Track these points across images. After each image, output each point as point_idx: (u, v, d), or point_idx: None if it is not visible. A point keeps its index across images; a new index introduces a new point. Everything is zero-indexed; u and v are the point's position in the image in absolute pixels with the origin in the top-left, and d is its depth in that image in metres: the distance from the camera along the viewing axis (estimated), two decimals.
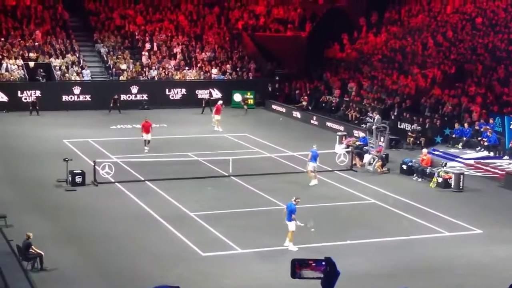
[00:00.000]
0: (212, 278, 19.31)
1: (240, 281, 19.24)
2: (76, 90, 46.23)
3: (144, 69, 49.26)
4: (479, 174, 31.75)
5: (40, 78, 46.10)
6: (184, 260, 20.49)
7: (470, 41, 43.53)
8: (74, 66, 47.83)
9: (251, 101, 45.30)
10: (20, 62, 46.63)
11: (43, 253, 19.54)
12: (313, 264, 4.30)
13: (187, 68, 50.21)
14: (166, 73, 49.55)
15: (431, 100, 39.83)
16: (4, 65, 46.01)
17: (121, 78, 48.26)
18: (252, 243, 21.85)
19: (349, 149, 33.44)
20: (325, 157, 31.54)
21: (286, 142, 36.89)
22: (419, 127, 37.40)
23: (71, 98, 46.04)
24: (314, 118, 43.87)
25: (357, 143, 34.82)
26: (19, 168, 30.90)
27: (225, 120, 40.66)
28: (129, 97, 47.14)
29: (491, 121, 34.92)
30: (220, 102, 41.77)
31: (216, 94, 48.28)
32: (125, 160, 31.33)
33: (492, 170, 31.82)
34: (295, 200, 21.55)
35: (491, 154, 33.75)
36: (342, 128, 40.23)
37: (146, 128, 33.87)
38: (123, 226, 23.48)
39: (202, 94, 48.34)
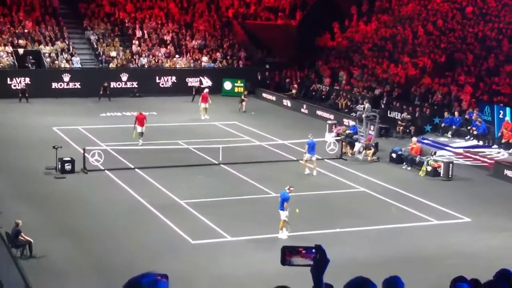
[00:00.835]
0: (202, 266, 19.35)
1: (230, 269, 19.28)
2: (66, 77, 46.03)
3: (134, 57, 49.11)
4: (468, 163, 31.88)
5: (30, 65, 45.88)
6: (174, 248, 20.51)
7: (460, 30, 43.59)
8: (63, 53, 47.62)
9: (245, 98, 43.88)
10: (9, 49, 46.37)
11: (32, 241, 19.53)
12: (303, 252, 4.30)
13: (177, 56, 50.08)
14: (156, 60, 49.41)
15: (421, 89, 39.90)
16: None
17: (111, 65, 48.09)
18: (242, 231, 21.90)
19: (339, 138, 33.48)
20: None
21: (276, 131, 36.90)
22: (409, 116, 37.48)
23: (61, 85, 45.85)
24: (304, 106, 43.87)
25: (347, 131, 34.87)
26: (8, 156, 30.78)
27: (215, 108, 40.60)
28: (119, 84, 46.99)
29: (476, 111, 34.99)
30: (206, 90, 41.71)
31: (206, 82, 48.18)
32: (115, 147, 31.27)
33: (481, 159, 31.95)
34: (288, 189, 21.59)
35: (480, 143, 33.87)
36: (332, 116, 40.25)
37: (140, 121, 33.01)
38: (113, 214, 23.47)
39: (192, 82, 48.22)
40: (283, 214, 21.26)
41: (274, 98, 47.02)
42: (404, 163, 30.94)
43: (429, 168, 29.48)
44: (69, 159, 28.08)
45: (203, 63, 50.14)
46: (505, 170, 29.48)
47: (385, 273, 5.19)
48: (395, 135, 36.81)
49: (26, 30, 47.93)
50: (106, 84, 44.83)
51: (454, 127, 35.42)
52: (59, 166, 27.78)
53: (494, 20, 42.61)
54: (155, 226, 22.41)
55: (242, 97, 43.18)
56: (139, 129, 32.89)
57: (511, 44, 39.68)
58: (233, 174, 28.72)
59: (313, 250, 4.28)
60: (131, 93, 46.42)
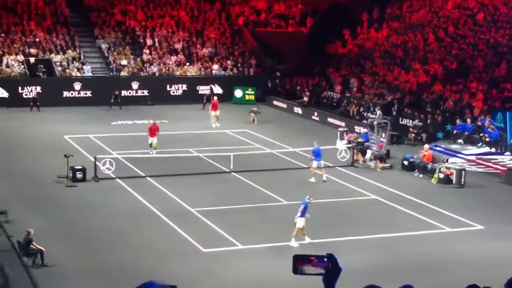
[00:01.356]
0: (213, 274, 19.29)
1: (241, 277, 19.22)
2: (77, 86, 46.18)
3: (145, 65, 49.21)
4: (480, 170, 31.68)
5: (41, 74, 46.05)
6: (185, 256, 20.47)
7: (471, 36, 43.44)
8: (74, 62, 47.79)
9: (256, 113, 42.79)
10: (20, 57, 46.60)
11: (43, 249, 19.52)
12: (315, 260, 4.25)
13: (188, 64, 50.15)
14: (167, 69, 49.50)
15: (432, 96, 39.76)
16: (5, 61, 45.98)
17: (121, 74, 48.21)
18: (253, 239, 21.83)
19: (351, 145, 33.38)
20: (326, 153, 31.45)
21: (287, 138, 36.85)
22: (421, 123, 37.34)
23: (72, 94, 46.00)
24: (315, 114, 43.80)
25: (359, 139, 34.77)
26: (20, 164, 30.86)
27: (225, 116, 40.60)
28: (130, 93, 47.09)
29: (488, 118, 34.80)
30: (215, 98, 41.71)
31: (217, 90, 48.22)
32: (126, 156, 31.30)
33: (494, 166, 31.75)
34: (308, 198, 21.61)
35: (493, 150, 33.67)
36: (343, 124, 40.16)
37: (153, 132, 32.62)
38: (124, 222, 23.45)
39: (203, 90, 48.26)
40: (302, 222, 21.14)
41: (285, 106, 46.98)
42: (416, 171, 30.81)
43: (441, 176, 29.33)
44: (81, 167, 28.12)
45: (213, 71, 50.19)
46: None
47: (397, 281, 5.12)
48: (406, 142, 36.66)
49: (37, 39, 48.13)
50: (117, 93, 44.93)
51: (466, 133, 35.25)
52: (71, 175, 27.82)
53: (505, 27, 42.43)
54: (167, 234, 22.37)
55: (252, 113, 42.15)
56: (150, 140, 32.45)
57: None
58: (244, 182, 28.66)
59: (325, 259, 4.23)
60: (143, 101, 46.49)
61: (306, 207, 21.34)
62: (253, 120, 41.66)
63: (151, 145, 32.38)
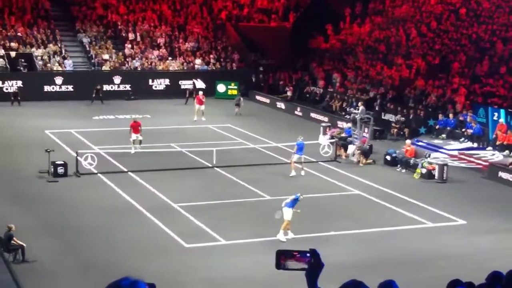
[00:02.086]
0: (196, 270, 19.23)
1: (224, 272, 19.17)
2: (58, 80, 45.87)
3: (127, 59, 48.98)
4: (462, 165, 31.83)
5: (22, 68, 45.70)
6: (168, 252, 20.39)
7: (454, 31, 43.60)
8: (56, 56, 47.47)
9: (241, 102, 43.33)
10: (1, 52, 46.18)
11: (25, 245, 19.39)
12: (298, 255, 4.21)
13: (170, 58, 49.98)
14: (149, 63, 49.31)
15: (415, 91, 39.88)
16: None
17: (103, 68, 47.96)
18: (236, 234, 21.79)
19: (333, 140, 33.41)
20: (309, 148, 31.51)
21: (270, 133, 36.82)
22: (403, 118, 37.46)
23: (53, 88, 45.69)
24: (298, 109, 43.81)
25: (342, 134, 34.81)
26: (1, 160, 30.59)
27: (208, 111, 40.48)
28: (112, 87, 46.85)
29: (470, 113, 34.95)
30: (200, 92, 41.63)
31: (200, 84, 48.12)
32: (107, 151, 31.14)
33: (476, 161, 31.90)
34: (301, 195, 21.70)
35: (475, 145, 33.83)
36: (326, 119, 40.21)
37: (135, 129, 32.21)
38: (106, 218, 23.32)
39: (186, 84, 48.11)
40: (289, 214, 21.09)
41: (268, 101, 46.95)
42: (399, 166, 30.89)
43: (424, 171, 29.43)
44: (62, 162, 27.92)
45: (196, 66, 50.05)
46: (500, 172, 29.46)
47: (380, 276, 5.08)
48: (389, 137, 36.77)
49: (18, 33, 47.74)
50: (98, 87, 44.67)
51: (448, 129, 35.39)
52: (52, 170, 27.62)
53: (487, 22, 42.62)
54: (149, 229, 22.27)
55: (237, 101, 42.83)
56: (133, 136, 32.04)
57: (505, 46, 39.68)
58: (227, 177, 28.61)
59: (308, 254, 4.20)
60: (126, 96, 46.29)
61: (296, 199, 21.30)
62: (237, 113, 41.75)
63: (133, 142, 32.01)
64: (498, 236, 22.73)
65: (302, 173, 28.95)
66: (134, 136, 31.99)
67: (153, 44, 50.59)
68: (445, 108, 37.08)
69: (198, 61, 50.18)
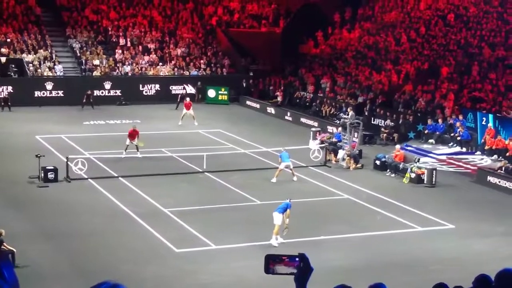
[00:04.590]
0: (187, 275, 19.28)
1: (214, 277, 19.22)
2: (49, 85, 45.83)
3: (118, 65, 48.99)
4: (451, 169, 32.01)
5: (12, 74, 45.63)
6: (158, 257, 20.42)
7: (442, 37, 43.83)
8: (46, 61, 47.43)
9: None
10: None
11: (15, 250, 19.37)
12: (287, 260, 4.29)
13: (160, 63, 50.01)
14: (140, 68, 49.33)
15: (404, 96, 40.06)
16: None
17: (94, 73, 47.94)
18: (227, 239, 21.85)
19: (323, 145, 33.53)
20: (299, 152, 31.62)
21: (260, 138, 36.89)
22: (392, 123, 37.63)
23: (44, 93, 45.65)
24: (288, 114, 43.92)
25: (332, 139, 34.94)
26: None
27: (198, 116, 40.54)
28: (102, 92, 46.83)
29: (460, 117, 35.16)
30: (188, 99, 41.60)
31: (190, 90, 48.18)
32: (98, 156, 31.14)
33: (465, 165, 32.09)
34: (290, 200, 21.74)
35: (464, 149, 34.03)
36: (316, 124, 40.32)
37: (133, 136, 32.05)
38: (96, 223, 23.33)
39: (176, 90, 48.15)
40: (279, 219, 21.15)
41: (258, 106, 47.04)
42: (388, 170, 31.03)
43: (413, 175, 29.58)
44: (52, 167, 27.92)
45: (186, 71, 50.10)
46: (488, 177, 29.63)
47: (369, 280, 5.19)
48: (378, 142, 36.93)
49: (8, 39, 47.67)
50: (89, 92, 44.64)
51: (437, 133, 35.57)
52: (42, 175, 27.62)
53: (476, 27, 42.89)
54: (139, 235, 22.30)
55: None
56: (128, 141, 31.84)
57: (493, 51, 39.94)
58: (218, 182, 28.66)
59: (297, 259, 4.27)
60: (117, 101, 46.27)
61: (287, 206, 21.34)
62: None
63: (127, 147, 31.78)
64: (488, 240, 22.87)
65: (295, 178, 28.97)
66: (128, 141, 31.93)
67: (144, 50, 50.56)
68: (434, 113, 37.28)
69: (188, 66, 50.20)
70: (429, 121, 36.26)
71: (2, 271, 3.49)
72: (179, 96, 46.09)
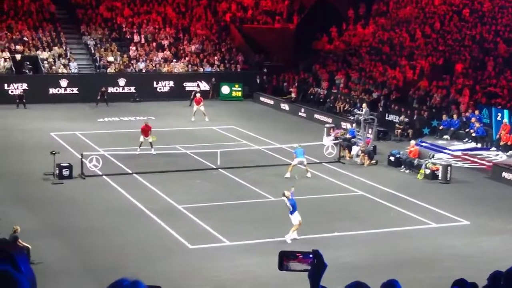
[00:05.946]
0: (200, 271, 19.30)
1: (228, 273, 19.24)
2: (63, 82, 46.00)
3: (132, 62, 49.08)
4: (466, 165, 31.85)
5: (27, 71, 45.84)
6: (172, 253, 20.46)
7: (457, 32, 43.61)
8: (61, 58, 47.59)
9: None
10: (6, 54, 46.34)
11: (30, 247, 19.46)
12: (301, 256, 4.26)
13: (174, 60, 50.07)
14: (154, 65, 49.40)
15: (419, 92, 39.90)
16: None
17: (108, 70, 48.07)
18: (240, 235, 21.85)
19: (337, 141, 33.46)
20: (313, 149, 31.56)
21: (274, 135, 36.87)
22: (407, 119, 37.47)
23: (58, 90, 45.82)
24: (302, 110, 43.85)
25: (346, 135, 34.85)
26: (6, 162, 30.72)
27: (212, 112, 40.58)
28: (116, 89, 46.96)
29: (476, 112, 34.99)
30: (198, 95, 41.70)
31: (204, 86, 48.21)
32: (112, 153, 31.23)
33: (479, 161, 31.92)
34: (283, 195, 21.63)
35: (479, 145, 33.85)
36: (330, 120, 40.25)
37: (146, 132, 32.19)
38: (111, 220, 23.42)
39: (190, 86, 48.20)
40: (296, 219, 21.16)
41: (272, 102, 47.01)
42: (402, 166, 30.92)
43: (427, 171, 29.46)
44: (67, 164, 28.03)
45: (200, 68, 50.13)
46: (503, 173, 29.47)
47: (383, 276, 5.16)
48: (393, 138, 36.79)
49: (23, 37, 47.88)
50: (103, 89, 44.78)
51: (452, 129, 35.41)
52: (57, 172, 27.73)
53: (491, 22, 42.63)
54: (153, 231, 22.36)
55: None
56: (142, 138, 31.99)
57: (508, 46, 39.69)
58: (231, 179, 28.67)
59: (311, 255, 4.25)
60: (132, 98, 46.38)
61: (293, 204, 21.31)
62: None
63: (141, 144, 31.89)
64: (502, 236, 22.76)
65: (308, 174, 28.95)
66: (142, 138, 32.03)
67: (158, 46, 50.63)
68: (449, 109, 37.10)
69: (202, 63, 50.22)
70: (444, 117, 36.10)
71: (19, 265, 3.51)
72: (193, 93, 46.13)
